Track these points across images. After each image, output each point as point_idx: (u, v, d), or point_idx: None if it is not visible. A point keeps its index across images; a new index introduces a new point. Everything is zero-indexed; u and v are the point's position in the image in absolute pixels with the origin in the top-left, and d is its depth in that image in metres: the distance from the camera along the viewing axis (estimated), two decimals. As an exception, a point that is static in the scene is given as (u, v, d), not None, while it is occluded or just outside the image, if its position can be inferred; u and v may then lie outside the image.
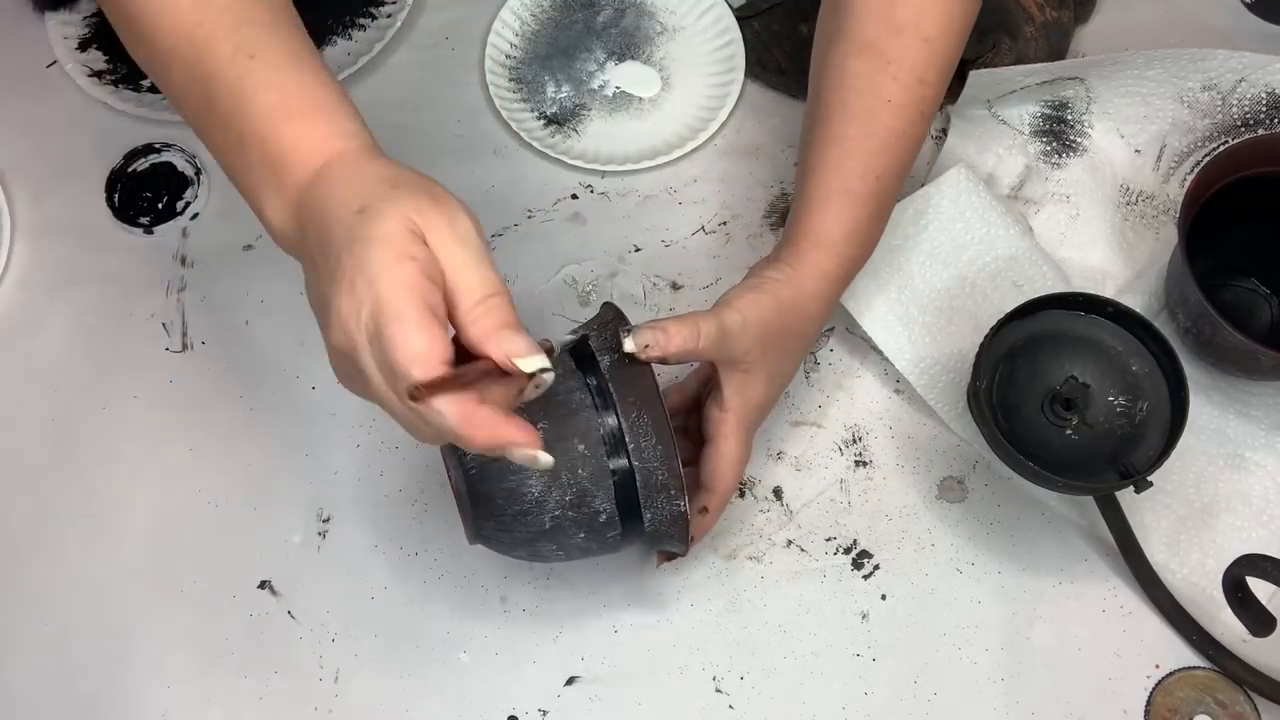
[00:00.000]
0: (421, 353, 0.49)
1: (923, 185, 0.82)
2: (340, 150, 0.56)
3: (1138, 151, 0.86)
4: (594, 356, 0.64)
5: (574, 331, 0.67)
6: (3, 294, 0.85)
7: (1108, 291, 0.81)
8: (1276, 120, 0.84)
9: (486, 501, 0.63)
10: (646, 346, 0.62)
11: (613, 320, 0.66)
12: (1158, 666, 0.73)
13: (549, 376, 0.53)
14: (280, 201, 0.56)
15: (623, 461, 0.63)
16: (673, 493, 0.64)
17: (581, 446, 0.62)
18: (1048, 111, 0.87)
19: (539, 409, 0.61)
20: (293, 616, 0.75)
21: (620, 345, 0.63)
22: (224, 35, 0.58)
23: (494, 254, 0.85)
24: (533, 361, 0.51)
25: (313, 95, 0.58)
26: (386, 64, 0.93)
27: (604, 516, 0.64)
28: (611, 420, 0.63)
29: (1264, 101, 0.84)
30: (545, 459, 0.52)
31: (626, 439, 0.63)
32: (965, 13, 0.72)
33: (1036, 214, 0.85)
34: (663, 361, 0.63)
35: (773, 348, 0.68)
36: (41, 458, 0.80)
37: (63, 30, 0.93)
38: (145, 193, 0.88)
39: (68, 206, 0.88)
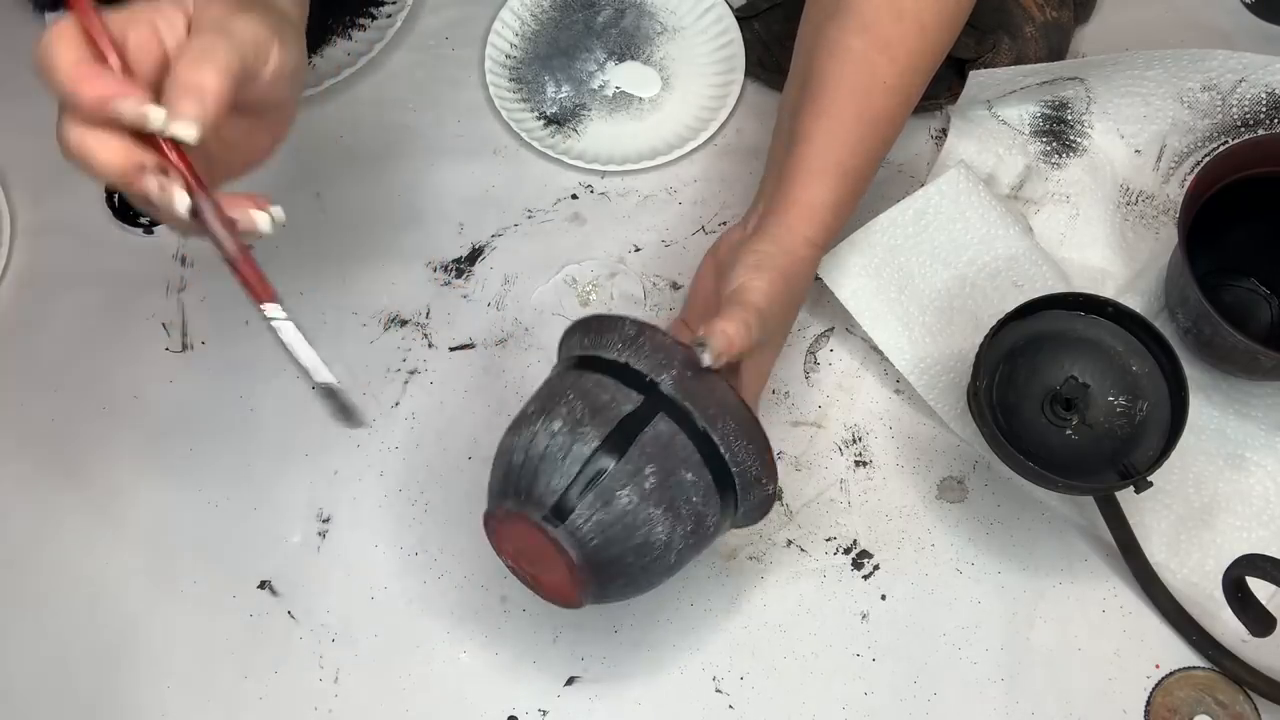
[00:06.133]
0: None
1: (923, 185, 0.82)
2: None
3: (1138, 151, 0.86)
4: (654, 383, 0.63)
5: (586, 353, 0.65)
6: (3, 294, 0.85)
7: (1108, 291, 0.81)
8: (1276, 120, 0.84)
9: (614, 564, 0.62)
10: (719, 355, 0.62)
11: (638, 336, 0.63)
12: (1158, 666, 0.73)
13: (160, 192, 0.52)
14: None
15: (723, 472, 0.63)
16: (764, 481, 0.65)
17: (689, 475, 0.62)
18: (1048, 111, 0.87)
19: (641, 459, 0.61)
20: (293, 616, 0.75)
21: (674, 358, 0.63)
22: None
23: (494, 254, 0.86)
24: (179, 127, 0.52)
25: None
26: (386, 64, 0.93)
27: (713, 528, 0.64)
28: (703, 438, 0.63)
29: (1264, 101, 0.84)
30: (154, 114, 0.51)
31: (721, 449, 0.63)
32: (960, 7, 0.75)
33: (1036, 214, 0.85)
34: (730, 365, 0.64)
35: (786, 320, 0.70)
36: (41, 458, 0.80)
37: (63, 30, 0.93)
38: (145, 193, 0.88)
39: (68, 206, 0.88)
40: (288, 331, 0.56)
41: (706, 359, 0.62)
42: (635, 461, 0.61)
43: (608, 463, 0.61)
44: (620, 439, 0.61)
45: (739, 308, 0.65)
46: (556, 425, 0.62)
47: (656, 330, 0.64)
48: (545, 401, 0.63)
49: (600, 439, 0.61)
